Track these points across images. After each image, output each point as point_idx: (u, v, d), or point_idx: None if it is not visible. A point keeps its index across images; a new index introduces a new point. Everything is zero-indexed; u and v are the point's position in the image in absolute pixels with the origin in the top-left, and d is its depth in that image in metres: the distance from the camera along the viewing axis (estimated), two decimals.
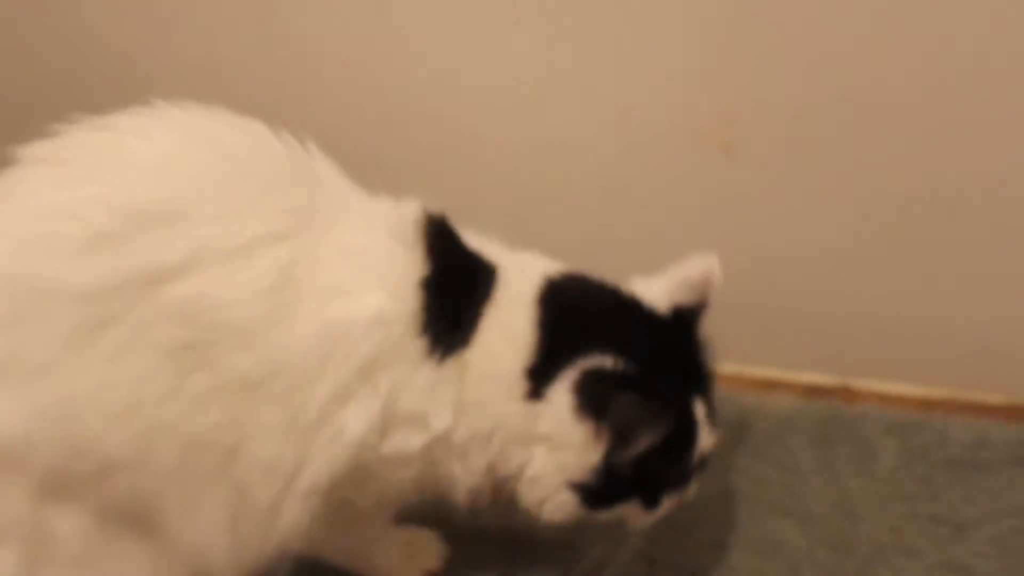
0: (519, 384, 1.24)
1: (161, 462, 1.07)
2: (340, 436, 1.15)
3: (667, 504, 1.32)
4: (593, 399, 1.21)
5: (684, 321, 1.33)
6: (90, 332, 1.03)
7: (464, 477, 1.27)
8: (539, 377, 1.24)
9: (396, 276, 1.20)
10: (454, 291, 1.23)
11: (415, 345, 1.19)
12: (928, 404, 1.77)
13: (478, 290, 1.26)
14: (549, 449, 1.25)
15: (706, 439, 1.31)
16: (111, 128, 1.14)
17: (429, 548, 1.49)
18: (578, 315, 1.28)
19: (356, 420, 1.16)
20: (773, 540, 1.55)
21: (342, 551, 1.40)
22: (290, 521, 1.16)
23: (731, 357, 1.73)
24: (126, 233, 1.05)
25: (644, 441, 1.22)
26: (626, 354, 1.23)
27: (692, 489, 1.33)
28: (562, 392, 1.22)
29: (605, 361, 1.22)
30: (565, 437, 1.23)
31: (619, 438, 1.22)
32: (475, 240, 1.30)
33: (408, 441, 1.21)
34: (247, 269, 1.09)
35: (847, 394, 1.79)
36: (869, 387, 1.80)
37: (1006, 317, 1.71)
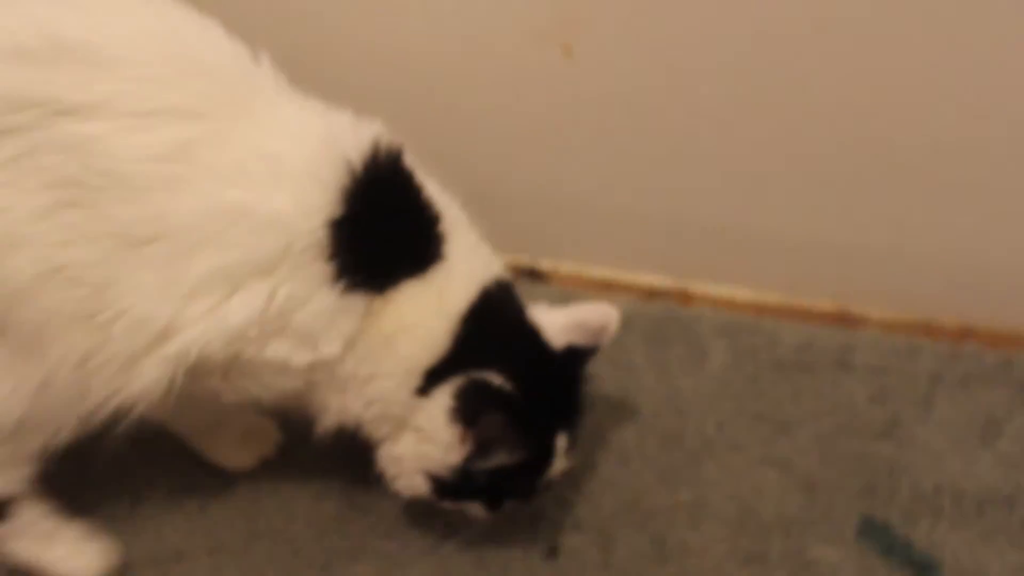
0: (415, 379, 1.29)
1: (13, 276, 1.12)
2: (220, 318, 1.17)
3: (507, 508, 1.39)
4: (468, 408, 1.28)
5: (573, 359, 1.39)
6: None
7: (336, 413, 1.32)
8: (432, 378, 1.29)
9: (311, 193, 1.20)
10: (379, 235, 1.24)
11: (320, 267, 1.20)
12: (760, 308, 1.82)
13: (413, 253, 1.28)
14: (418, 439, 1.32)
15: (558, 466, 1.38)
16: None
17: (266, 436, 1.51)
18: (488, 331, 1.32)
19: (239, 310, 1.18)
20: (605, 435, 1.60)
21: (187, 426, 1.42)
22: (146, 380, 1.18)
23: (572, 257, 1.75)
24: (45, 59, 1.11)
25: (500, 458, 1.30)
26: (513, 377, 1.29)
27: (533, 500, 1.41)
28: (445, 394, 1.29)
29: (493, 377, 1.28)
30: (435, 434, 1.30)
31: (480, 449, 1.29)
32: (439, 199, 1.31)
33: (293, 354, 1.23)
34: (147, 131, 1.13)
35: (683, 296, 1.83)
36: (705, 290, 1.84)
37: (837, 225, 1.76)
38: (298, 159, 1.21)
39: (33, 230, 1.11)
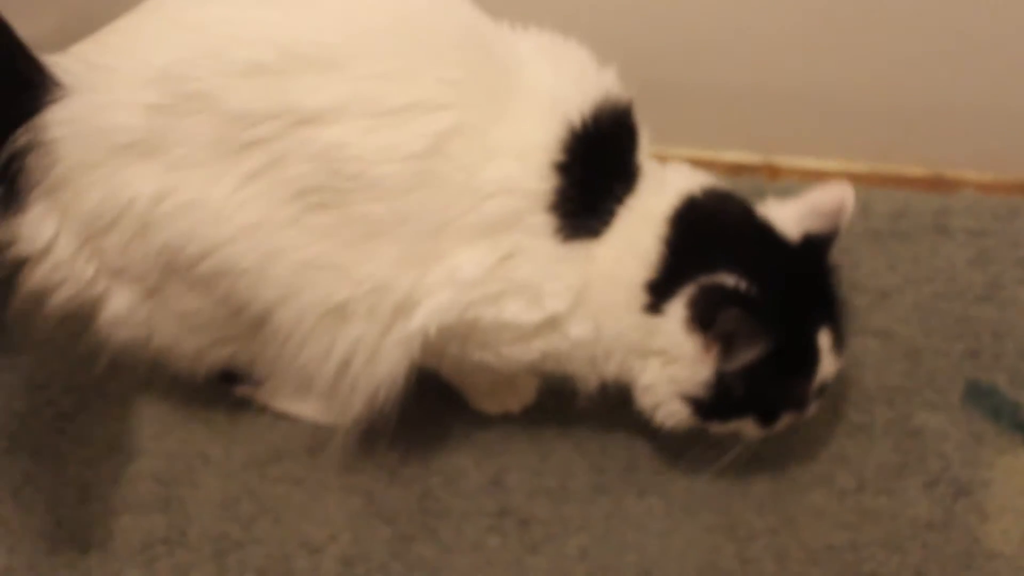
0: (639, 296, 1.26)
1: (274, 283, 1.19)
2: (452, 280, 1.20)
3: (784, 422, 1.34)
4: (704, 313, 1.23)
5: (813, 249, 1.33)
6: (231, 148, 1.14)
7: (590, 376, 1.33)
8: (659, 292, 1.26)
9: (535, 151, 1.22)
10: (593, 182, 1.25)
11: (542, 219, 1.22)
12: (849, 178, 1.75)
13: (617, 189, 1.27)
14: (663, 362, 1.28)
15: (828, 367, 1.32)
16: None
17: (525, 389, 1.49)
18: (708, 234, 1.29)
19: (470, 268, 1.20)
20: None
21: (454, 372, 1.43)
22: (390, 362, 1.24)
23: (656, 139, 1.70)
24: (280, 69, 1.13)
25: (745, 355, 1.23)
26: (750, 276, 1.25)
27: (811, 411, 1.36)
28: (678, 307, 1.25)
29: (726, 279, 1.24)
30: (678, 350, 1.26)
31: (725, 350, 1.24)
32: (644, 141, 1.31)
33: (523, 313, 1.24)
34: (395, 130, 1.14)
35: (771, 171, 1.79)
36: (791, 163, 1.80)
37: (924, 89, 1.70)
38: (532, 125, 1.22)
39: (287, 238, 1.17)
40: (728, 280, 1.24)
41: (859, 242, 1.66)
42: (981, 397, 1.51)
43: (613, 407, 1.40)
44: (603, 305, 1.27)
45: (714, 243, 1.28)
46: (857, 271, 1.63)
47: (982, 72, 1.67)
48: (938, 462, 1.46)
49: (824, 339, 1.30)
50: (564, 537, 1.40)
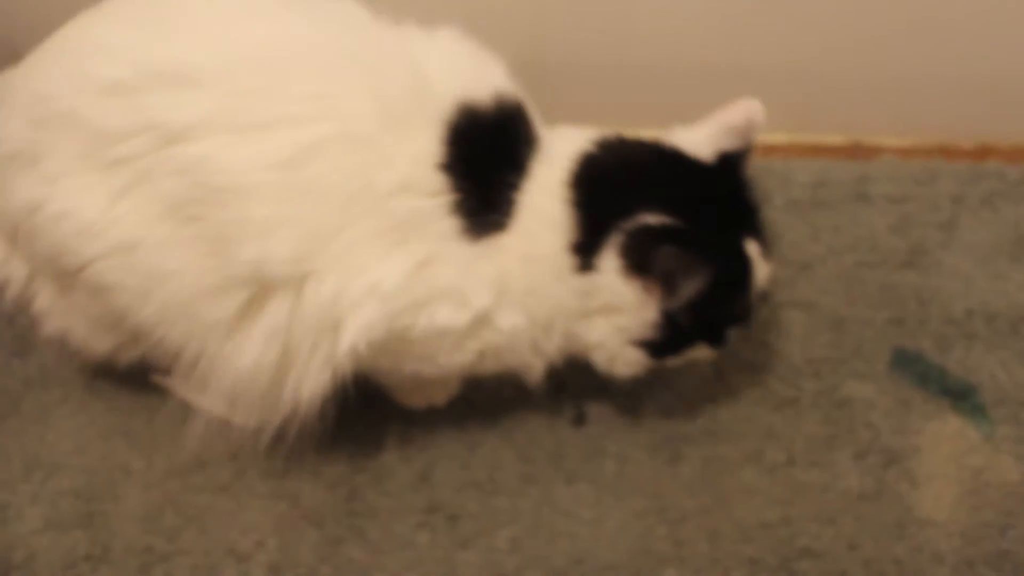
0: (566, 261, 1.25)
1: (163, 307, 1.21)
2: (375, 288, 1.19)
3: (732, 337, 1.35)
4: (638, 257, 1.22)
5: (728, 165, 1.33)
6: (99, 164, 1.17)
7: (534, 363, 1.32)
8: (585, 250, 1.25)
9: (426, 156, 1.22)
10: (486, 177, 1.24)
11: (447, 224, 1.22)
12: (768, 150, 1.76)
13: (511, 178, 1.26)
14: (608, 316, 1.27)
15: (762, 274, 1.32)
16: None
17: (450, 381, 1.47)
18: (615, 182, 1.28)
19: (389, 274, 1.19)
20: None
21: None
22: (316, 385, 1.24)
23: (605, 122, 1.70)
24: (139, 87, 1.16)
25: (689, 289, 1.23)
26: (670, 208, 1.24)
27: (752, 322, 1.37)
28: (610, 258, 1.23)
29: (649, 219, 1.22)
30: (619, 300, 1.25)
31: (668, 289, 1.23)
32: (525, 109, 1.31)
33: (454, 316, 1.23)
34: (258, 143, 1.15)
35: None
36: None
37: (841, 55, 1.69)
38: (419, 134, 1.22)
39: (166, 255, 1.19)
40: (651, 219, 1.23)
41: (780, 213, 1.66)
42: (907, 364, 1.51)
43: (539, 394, 1.39)
44: (529, 288, 1.26)
45: (624, 188, 1.27)
46: (779, 243, 1.62)
47: (896, 37, 1.66)
48: (867, 432, 1.45)
49: (752, 248, 1.30)
50: (494, 530, 1.39)
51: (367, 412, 1.43)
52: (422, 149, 1.21)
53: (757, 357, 1.52)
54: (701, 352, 1.34)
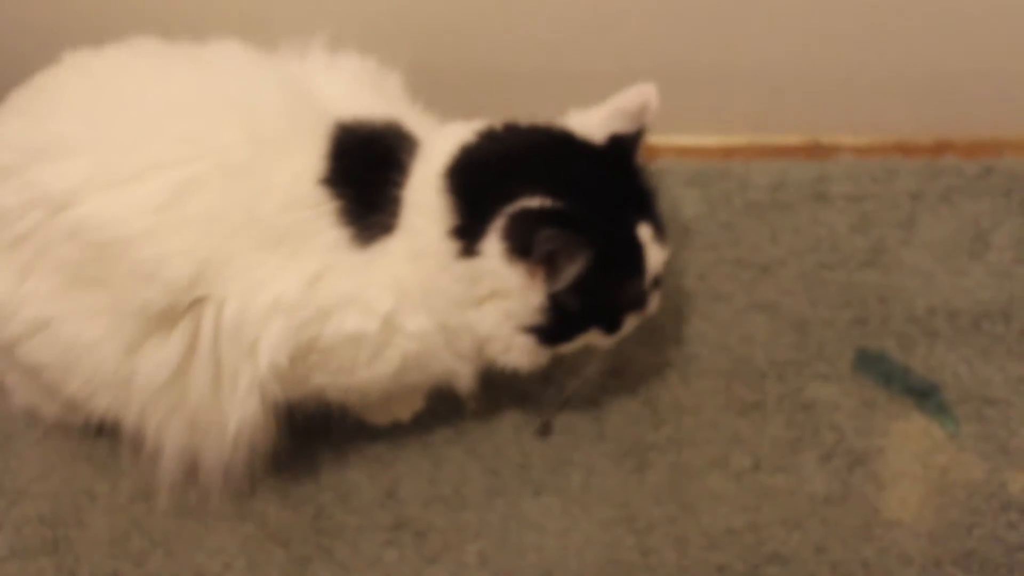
0: (448, 246, 1.23)
1: (94, 374, 1.24)
2: (277, 303, 1.20)
3: (629, 324, 1.32)
4: (519, 240, 1.19)
5: (620, 149, 1.31)
6: (3, 246, 1.21)
7: (461, 367, 1.31)
8: (467, 234, 1.22)
9: (306, 173, 1.23)
10: (366, 183, 1.24)
11: (335, 235, 1.22)
12: (727, 152, 1.76)
13: (393, 179, 1.25)
14: (495, 303, 1.25)
15: (655, 259, 1.30)
16: (71, 64, 1.29)
17: (414, 396, 1.47)
18: (496, 168, 1.26)
19: (287, 287, 1.20)
20: None
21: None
22: (240, 413, 1.24)
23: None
24: (23, 165, 1.19)
25: (570, 270, 1.21)
26: (554, 191, 1.22)
27: (652, 306, 1.34)
28: (493, 243, 1.21)
29: (530, 202, 1.20)
30: (504, 285, 1.23)
31: (550, 271, 1.21)
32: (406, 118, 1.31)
33: (363, 321, 1.23)
34: (134, 192, 1.17)
35: (647, 150, 1.76)
36: (667, 141, 1.77)
37: (796, 54, 1.68)
38: (299, 154, 1.23)
39: (84, 329, 1.22)
40: (532, 202, 1.21)
41: (739, 216, 1.66)
42: (871, 364, 1.51)
43: (502, 406, 1.38)
44: (423, 286, 1.25)
45: (506, 173, 1.25)
46: (739, 246, 1.62)
47: (852, 35, 1.66)
48: (832, 434, 1.46)
49: (644, 232, 1.28)
50: (462, 544, 1.39)
51: (332, 430, 1.41)
52: (301, 167, 1.22)
53: (720, 362, 1.52)
54: (595, 338, 1.31)
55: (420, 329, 1.26)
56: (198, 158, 1.19)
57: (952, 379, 1.49)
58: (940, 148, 1.76)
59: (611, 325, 1.31)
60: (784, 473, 1.43)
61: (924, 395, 1.48)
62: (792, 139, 1.77)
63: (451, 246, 1.23)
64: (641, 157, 1.34)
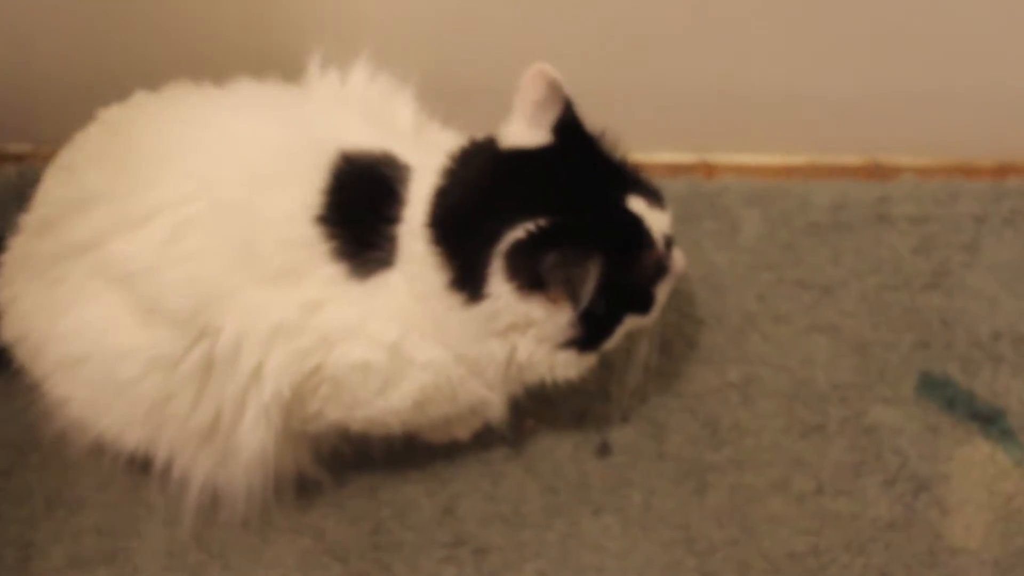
0: (452, 298, 1.21)
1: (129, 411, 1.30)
2: (277, 331, 1.21)
3: (662, 293, 1.31)
4: (525, 276, 1.18)
5: (566, 133, 1.26)
6: (49, 284, 1.29)
7: (491, 395, 1.30)
8: (466, 283, 1.21)
9: (301, 210, 1.23)
10: (362, 220, 1.24)
11: (331, 271, 1.22)
12: (787, 171, 1.75)
13: (390, 213, 1.24)
14: (522, 333, 1.23)
15: (658, 223, 1.27)
16: (102, 119, 1.37)
17: (469, 420, 1.45)
18: (473, 206, 1.23)
19: (288, 313, 1.21)
20: None
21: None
22: (251, 445, 1.26)
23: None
24: (61, 217, 1.29)
25: (588, 284, 1.19)
26: (533, 211, 1.18)
27: (678, 265, 1.32)
28: (499, 284, 1.19)
29: (517, 233, 1.17)
30: (528, 317, 1.21)
31: (570, 290, 1.20)
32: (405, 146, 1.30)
33: (369, 351, 1.22)
34: (147, 229, 1.23)
35: (707, 169, 1.76)
36: (727, 160, 1.77)
37: (858, 75, 1.67)
38: (293, 189, 1.24)
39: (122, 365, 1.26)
40: (519, 233, 1.17)
41: (800, 237, 1.64)
42: (934, 388, 1.49)
43: (561, 424, 1.37)
44: (432, 322, 1.23)
45: (481, 209, 1.22)
46: (800, 266, 1.61)
47: (911, 56, 1.65)
48: (895, 458, 1.44)
49: (636, 204, 1.26)
50: (520, 563, 1.38)
51: (390, 446, 1.41)
52: (297, 204, 1.23)
53: (781, 383, 1.50)
54: (635, 322, 1.29)
55: (432, 360, 1.24)
56: (196, 196, 1.22)
57: (1017, 405, 1.48)
58: (1002, 171, 1.74)
59: (644, 305, 1.29)
60: (847, 497, 1.42)
61: (989, 421, 1.46)
62: (852, 159, 1.76)
63: (454, 298, 1.21)
64: (591, 129, 1.29)
